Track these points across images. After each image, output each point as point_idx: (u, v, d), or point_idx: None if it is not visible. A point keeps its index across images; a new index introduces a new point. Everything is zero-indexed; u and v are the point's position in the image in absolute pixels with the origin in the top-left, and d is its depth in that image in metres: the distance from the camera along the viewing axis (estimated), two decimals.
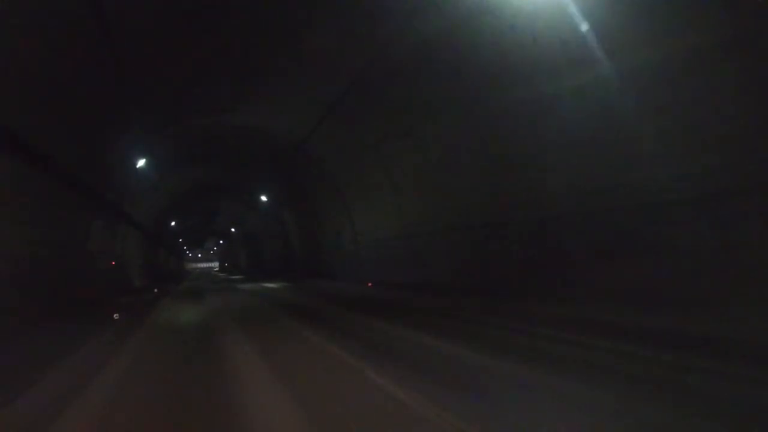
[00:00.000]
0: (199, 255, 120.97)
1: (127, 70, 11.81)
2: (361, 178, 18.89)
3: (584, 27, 8.26)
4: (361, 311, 12.21)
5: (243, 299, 18.87)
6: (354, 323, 10.67)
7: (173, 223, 45.03)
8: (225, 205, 43.87)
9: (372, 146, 16.35)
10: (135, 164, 19.20)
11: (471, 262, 13.01)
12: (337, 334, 9.12)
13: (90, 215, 18.16)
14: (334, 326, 10.31)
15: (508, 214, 11.60)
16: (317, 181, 23.31)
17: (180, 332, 10.16)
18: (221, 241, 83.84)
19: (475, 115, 11.68)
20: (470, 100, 11.64)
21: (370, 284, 17.29)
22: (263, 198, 32.71)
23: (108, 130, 16.01)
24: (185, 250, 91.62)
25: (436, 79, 11.99)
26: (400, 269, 17.09)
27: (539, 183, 10.61)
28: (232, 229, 59.00)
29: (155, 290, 23.12)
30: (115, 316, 10.77)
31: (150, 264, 37.75)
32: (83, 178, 15.82)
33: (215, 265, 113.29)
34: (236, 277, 49.94)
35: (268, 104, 17.48)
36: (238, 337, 9.27)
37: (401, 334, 9.04)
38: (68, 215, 15.21)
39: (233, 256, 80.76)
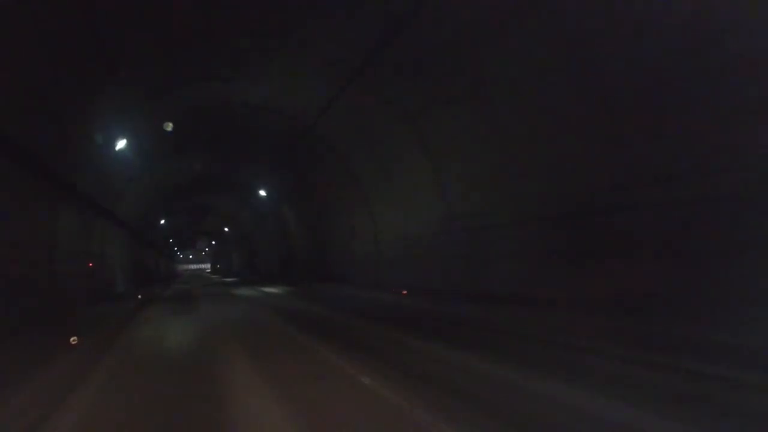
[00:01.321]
0: (191, 256, 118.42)
1: (101, 22, 8.84)
2: (386, 163, 15.81)
3: None
4: (411, 333, 9.06)
5: (243, 309, 15.76)
6: (409, 352, 7.60)
7: (162, 222, 41.74)
8: (218, 201, 40.64)
9: (406, 119, 13.26)
10: (113, 146, 16.04)
11: (555, 264, 9.83)
12: (388, 369, 6.14)
13: (56, 207, 15.02)
14: (377, 354, 7.27)
15: (631, 195, 8.37)
16: (329, 170, 20.20)
17: (163, 367, 7.06)
18: (213, 242, 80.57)
19: (578, 62, 8.60)
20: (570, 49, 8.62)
21: (404, 292, 14.20)
22: (262, 192, 29.55)
23: (78, 100, 12.90)
24: (176, 251, 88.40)
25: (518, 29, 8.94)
26: (437, 273, 14.02)
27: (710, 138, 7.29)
28: (226, 229, 55.73)
29: (139, 296, 19.94)
30: (72, 340, 7.65)
31: (137, 266, 34.50)
32: (45, 160, 12.71)
33: (207, 266, 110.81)
34: (230, 280, 46.68)
35: (275, 73, 14.42)
36: (250, 377, 6.21)
37: (504, 378, 6.04)
38: (23, 205, 12.07)
39: (226, 258, 77.48)
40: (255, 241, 47.58)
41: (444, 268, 13.61)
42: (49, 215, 14.50)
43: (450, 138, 12.33)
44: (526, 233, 10.31)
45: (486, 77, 10.14)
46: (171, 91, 14.70)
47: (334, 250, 23.52)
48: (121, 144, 16.10)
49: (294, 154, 21.06)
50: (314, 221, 26.23)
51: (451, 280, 13.20)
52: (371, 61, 11.85)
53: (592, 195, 8.81)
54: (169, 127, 14.55)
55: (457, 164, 12.60)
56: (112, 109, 14.35)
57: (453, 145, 12.36)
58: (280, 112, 17.54)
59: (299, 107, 16.74)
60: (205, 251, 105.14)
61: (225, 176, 29.99)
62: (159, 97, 15.60)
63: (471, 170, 11.94)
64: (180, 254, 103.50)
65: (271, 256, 40.96)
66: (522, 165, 10.24)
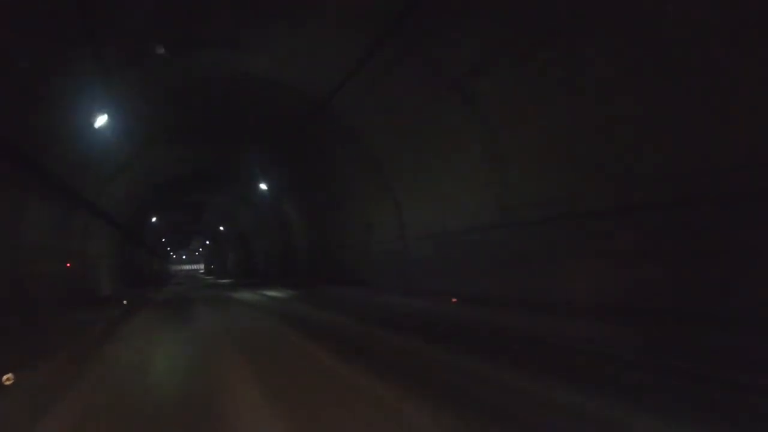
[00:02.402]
0: (184, 256, 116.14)
1: None
2: (420, 145, 13.30)
3: None
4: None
5: (249, 319, 13.23)
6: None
7: (154, 219, 39.10)
8: (214, 198, 38.05)
9: (453, 86, 10.77)
10: (92, 122, 13.50)
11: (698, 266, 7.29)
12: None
13: (23, 195, 12.49)
14: (478, 402, 4.84)
15: None
16: (343, 156, 17.67)
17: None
18: (207, 242, 77.88)
19: None
20: None
21: (454, 299, 11.65)
22: (262, 186, 26.99)
23: (48, 61, 10.41)
24: (169, 251, 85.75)
25: None
26: (486, 276, 11.52)
27: None
28: (221, 228, 53.12)
29: (124, 302, 17.38)
30: (5, 379, 5.11)
31: (127, 266, 31.89)
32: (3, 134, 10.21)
33: (201, 267, 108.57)
34: (226, 282, 44.10)
35: (284, 34, 11.94)
36: None
37: None
38: None
39: (221, 258, 74.81)
40: (253, 241, 45.03)
41: (496, 270, 11.10)
42: (11, 205, 11.97)
43: (514, 106, 9.79)
44: (628, 225, 7.81)
45: (574, 15, 7.66)
46: (155, 52, 12.15)
47: (345, 250, 21.00)
48: (101, 120, 13.55)
49: (302, 139, 18.53)
50: (322, 217, 23.68)
51: (505, 284, 10.70)
52: (410, 10, 9.37)
53: (725, 172, 6.37)
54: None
55: (522, 139, 10.08)
56: (89, 74, 11.82)
57: (518, 114, 9.83)
58: (288, 86, 15.04)
59: (311, 79, 14.25)
60: (199, 251, 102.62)
61: (222, 167, 27.40)
62: (144, 63, 13.09)
63: (548, 147, 9.43)
64: (173, 254, 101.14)
65: (271, 257, 38.41)
66: (625, 134, 7.73)
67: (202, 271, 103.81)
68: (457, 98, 10.93)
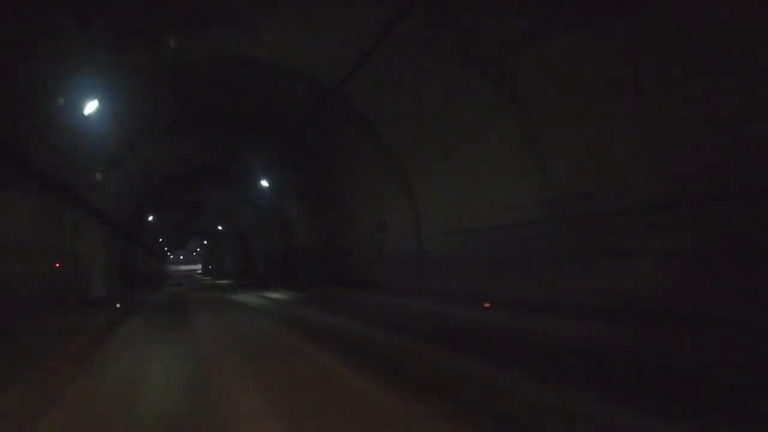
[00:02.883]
0: (182, 257, 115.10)
1: None
2: (444, 132, 12.10)
3: None
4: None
5: (254, 326, 11.99)
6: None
7: (151, 218, 37.81)
8: (212, 196, 36.80)
9: (487, 63, 9.58)
10: (81, 108, 12.29)
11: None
12: None
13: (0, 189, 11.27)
14: None
15: None
16: (354, 148, 16.48)
17: None
18: (205, 242, 76.58)
19: None
20: None
21: (487, 304, 10.39)
22: (263, 183, 25.77)
23: (29, 36, 9.21)
24: (166, 252, 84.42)
25: None
26: (524, 277, 10.31)
27: None
28: (219, 227, 51.86)
29: (118, 305, 16.16)
30: None
31: (123, 267, 30.65)
32: None
33: (198, 267, 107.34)
34: (224, 283, 42.82)
35: (294, 9, 10.77)
36: None
37: None
38: None
39: (219, 258, 73.56)
40: (252, 241, 43.81)
41: (535, 270, 9.88)
42: None
43: (563, 81, 8.59)
44: (705, 218, 6.61)
45: None
46: (152, 36, 10.96)
47: (354, 250, 19.79)
48: (91, 107, 12.34)
49: (308, 131, 17.34)
50: (328, 215, 22.47)
51: (546, 286, 9.49)
52: None
53: None
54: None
55: (571, 120, 8.86)
56: (77, 54, 10.63)
57: (567, 91, 8.62)
58: (296, 72, 13.85)
59: (321, 62, 13.06)
60: (196, 251, 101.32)
61: (221, 164, 26.17)
62: (138, 45, 11.89)
63: (596, 127, 8.22)
64: (171, 255, 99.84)
65: (271, 257, 37.20)
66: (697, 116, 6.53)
67: (199, 271, 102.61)
68: (488, 76, 9.73)
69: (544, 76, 8.84)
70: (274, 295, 21.33)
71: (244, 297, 21.32)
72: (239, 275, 50.75)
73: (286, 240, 30.71)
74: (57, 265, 16.64)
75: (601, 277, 8.42)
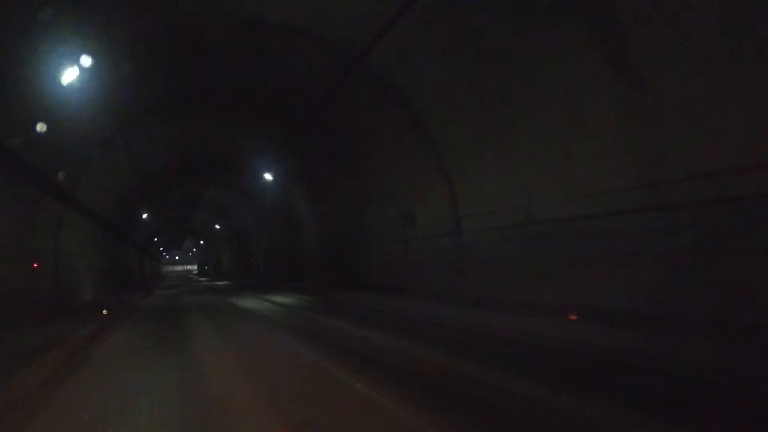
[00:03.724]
0: (177, 257, 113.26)
1: None
2: (497, 102, 9.97)
3: None
4: None
5: (272, 342, 9.70)
6: None
7: (145, 216, 35.51)
8: (209, 191, 34.53)
9: (574, 5, 7.48)
10: (58, 76, 10.12)
11: None
12: None
13: None
14: None
15: None
16: (379, 129, 14.31)
17: None
18: (201, 241, 74.20)
19: None
20: None
21: (573, 317, 8.13)
22: (267, 176, 23.58)
23: None
24: (161, 251, 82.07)
25: None
26: (621, 282, 8.17)
27: None
28: (217, 226, 49.56)
29: (104, 312, 13.96)
30: None
31: (114, 267, 28.44)
32: None
33: (194, 267, 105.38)
34: (222, 284, 40.58)
35: None
36: None
37: None
38: None
39: (215, 258, 71.35)
40: (252, 240, 41.59)
41: (644, 271, 7.73)
42: None
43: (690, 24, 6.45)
44: None
45: None
46: None
47: (373, 248, 17.62)
48: (71, 75, 10.15)
49: (321, 110, 15.15)
50: (341, 210, 20.27)
51: (654, 295, 7.37)
52: None
53: None
54: None
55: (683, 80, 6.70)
56: (52, 7, 8.52)
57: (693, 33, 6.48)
58: (311, 35, 11.71)
59: (340, 24, 10.92)
60: (192, 252, 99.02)
61: (219, 153, 23.90)
62: (125, 5, 9.76)
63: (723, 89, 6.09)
64: (166, 255, 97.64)
65: (273, 257, 35.01)
66: None
67: (195, 272, 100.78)
68: (573, 28, 7.60)
69: (655, 19, 6.69)
70: (282, 300, 19.15)
71: (248, 302, 19.13)
72: (237, 276, 48.51)
73: (291, 238, 28.52)
74: (35, 265, 14.48)
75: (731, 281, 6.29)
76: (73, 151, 14.45)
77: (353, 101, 13.92)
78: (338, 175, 19.08)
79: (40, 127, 11.11)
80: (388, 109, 12.98)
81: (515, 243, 10.53)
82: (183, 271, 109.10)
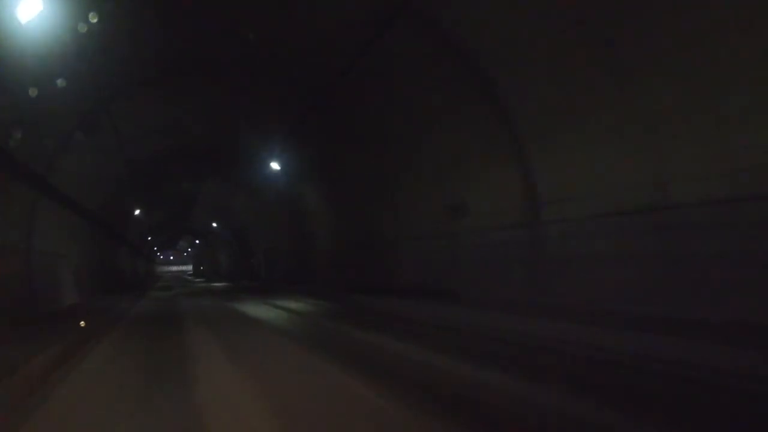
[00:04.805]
0: (171, 257, 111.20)
1: None
2: (616, 40, 7.38)
3: None
4: None
5: (308, 374, 7.03)
6: None
7: (138, 212, 32.78)
8: (206, 185, 31.85)
9: None
10: (14, 13, 7.52)
11: None
12: None
13: None
14: None
15: None
16: (420, 90, 11.70)
17: None
18: (197, 241, 71.50)
19: None
20: None
21: None
22: (273, 166, 20.97)
23: None
24: (155, 251, 79.22)
25: None
26: None
27: None
28: (214, 224, 46.85)
29: (82, 323, 11.29)
30: None
31: (104, 268, 25.75)
32: None
33: (189, 268, 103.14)
34: (220, 286, 37.89)
35: None
36: None
37: None
38: None
39: (212, 259, 68.63)
40: (253, 238, 38.93)
41: None
42: None
43: None
44: None
45: None
46: None
47: (404, 245, 15.01)
48: (33, 7, 7.54)
49: (345, 80, 12.59)
50: (362, 202, 17.63)
51: None
52: None
53: None
54: None
55: None
56: None
57: None
58: None
59: None
60: (187, 252, 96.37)
61: (220, 138, 21.23)
62: None
63: None
64: (160, 255, 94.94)
65: (277, 257, 32.36)
66: None
67: (190, 272, 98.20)
68: None
69: None
70: (294, 305, 16.53)
71: (254, 307, 16.50)
72: (236, 277, 45.84)
73: (298, 236, 25.89)
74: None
75: None
76: (44, 125, 11.80)
77: (385, 62, 11.32)
78: (360, 160, 16.46)
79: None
80: (438, 67, 10.42)
81: (636, 235, 7.92)
82: (178, 271, 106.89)
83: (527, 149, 9.62)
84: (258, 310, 15.56)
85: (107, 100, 13.47)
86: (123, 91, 13.71)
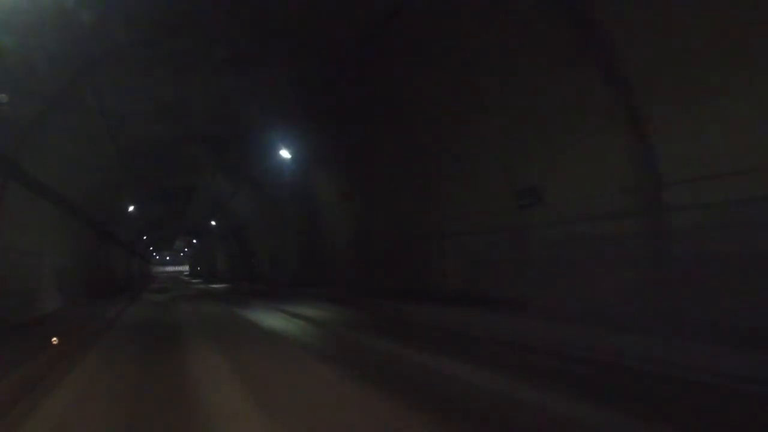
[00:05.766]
0: (167, 257, 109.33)
1: None
2: None
3: None
4: None
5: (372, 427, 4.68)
6: None
7: (131, 209, 30.30)
8: (205, 179, 29.40)
9: None
10: None
11: None
12: None
13: None
14: None
15: None
16: (476, 49, 9.30)
17: None
18: (194, 240, 68.99)
19: None
20: None
21: None
22: (283, 154, 18.61)
23: None
24: (151, 251, 76.75)
25: None
26: None
27: None
28: (213, 222, 44.34)
29: (54, 339, 8.84)
30: None
31: (95, 268, 23.27)
32: None
33: (185, 269, 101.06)
34: (219, 288, 35.50)
35: None
36: None
37: None
38: None
39: (209, 259, 66.13)
40: (255, 236, 36.47)
41: None
42: None
43: None
44: None
45: None
46: None
47: (449, 242, 12.61)
48: None
49: (382, 38, 10.21)
50: (393, 189, 15.13)
51: None
52: None
53: None
54: None
55: None
56: None
57: None
58: None
59: None
60: (183, 252, 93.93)
61: (220, 123, 18.69)
62: None
63: None
64: (156, 255, 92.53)
65: (282, 257, 29.92)
66: None
67: (186, 273, 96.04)
68: None
69: None
70: (311, 313, 14.11)
71: (266, 316, 14.08)
72: (235, 279, 43.38)
73: (310, 233, 23.45)
74: None
75: None
76: (12, 91, 9.35)
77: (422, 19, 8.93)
78: (394, 142, 14.02)
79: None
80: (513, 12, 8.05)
81: None
82: (174, 272, 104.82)
83: (645, 113, 7.23)
84: (271, 319, 13.15)
85: (90, 67, 11.06)
86: (107, 57, 11.28)
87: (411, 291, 13.61)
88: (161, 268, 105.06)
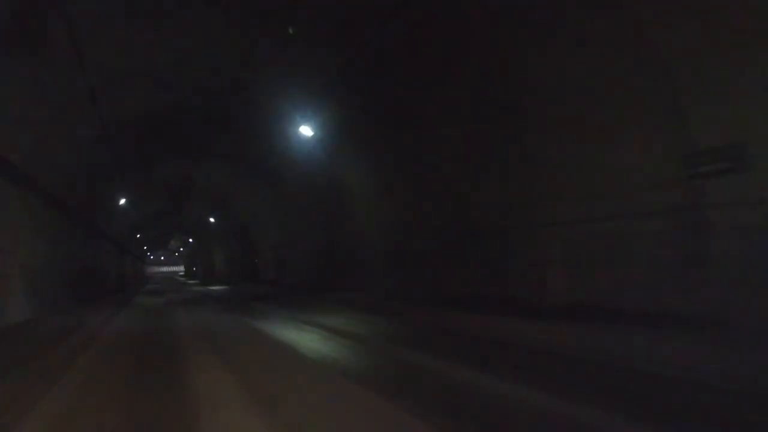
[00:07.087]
0: (162, 257, 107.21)
1: None
2: None
3: None
4: None
5: None
6: None
7: (123, 202, 27.21)
8: (205, 172, 26.38)
9: None
10: None
11: None
12: None
13: None
14: None
15: None
16: None
17: None
18: (191, 240, 65.92)
19: None
20: None
21: None
22: (303, 130, 15.62)
23: None
24: (146, 251, 73.73)
25: None
26: None
27: None
28: (211, 219, 41.24)
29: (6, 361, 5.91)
30: None
31: (80, 269, 20.24)
32: None
33: (180, 269, 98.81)
34: (219, 290, 32.52)
35: None
36: None
37: None
38: None
39: (206, 259, 63.10)
40: (257, 234, 33.50)
41: None
42: None
43: None
44: None
45: None
46: None
47: (546, 233, 9.54)
48: None
49: None
50: (458, 169, 11.96)
51: None
52: None
53: None
54: None
55: None
56: None
57: None
58: None
59: None
60: (179, 251, 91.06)
61: (227, 97, 15.59)
62: None
63: None
64: (150, 255, 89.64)
65: (288, 256, 26.93)
66: None
67: (182, 273, 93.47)
68: None
69: None
70: (343, 325, 11.11)
71: (284, 328, 11.08)
72: (235, 280, 40.37)
73: (329, 228, 20.43)
74: None
75: None
76: None
77: None
78: (458, 103, 11.02)
79: None
80: None
81: None
82: (168, 272, 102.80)
83: None
84: (292, 332, 10.16)
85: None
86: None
87: (479, 299, 10.63)
88: (156, 268, 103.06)
